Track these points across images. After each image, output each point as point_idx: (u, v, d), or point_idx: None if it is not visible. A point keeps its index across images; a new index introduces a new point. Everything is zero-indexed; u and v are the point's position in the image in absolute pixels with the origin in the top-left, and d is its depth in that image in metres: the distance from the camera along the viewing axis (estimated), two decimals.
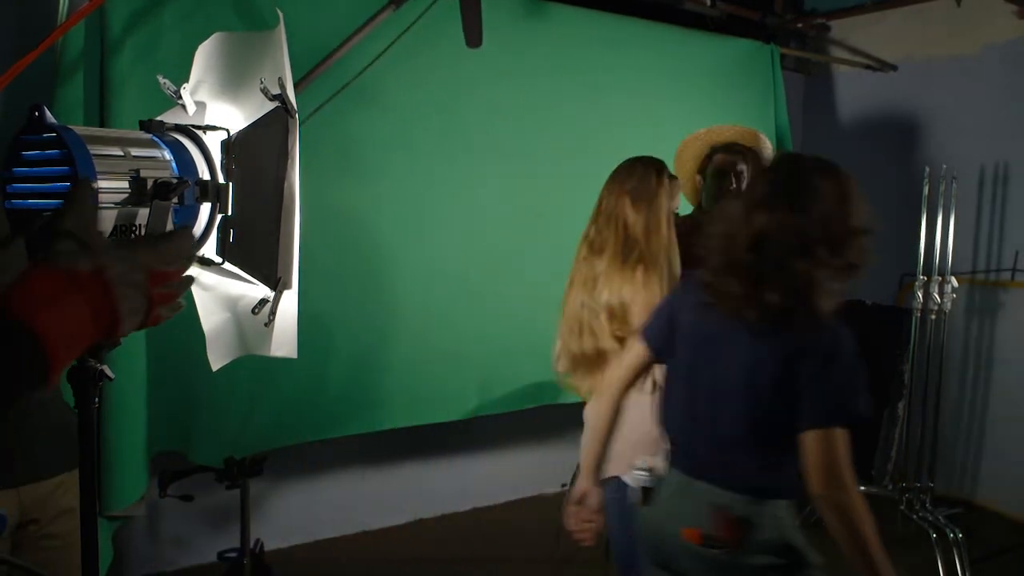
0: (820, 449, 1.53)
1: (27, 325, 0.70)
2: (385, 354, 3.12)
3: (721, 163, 2.71)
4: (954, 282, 3.69)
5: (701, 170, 2.81)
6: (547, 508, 3.79)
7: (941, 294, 3.64)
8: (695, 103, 3.87)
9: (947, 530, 3.53)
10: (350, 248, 3.02)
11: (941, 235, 3.82)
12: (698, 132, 2.84)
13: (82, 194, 0.82)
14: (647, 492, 1.87)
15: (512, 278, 3.41)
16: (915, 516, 3.65)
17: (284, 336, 1.17)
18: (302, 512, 3.62)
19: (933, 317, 3.70)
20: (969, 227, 4.32)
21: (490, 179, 3.35)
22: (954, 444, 4.27)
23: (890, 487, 3.84)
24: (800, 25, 4.75)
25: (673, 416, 1.79)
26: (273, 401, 2.83)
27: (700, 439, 1.71)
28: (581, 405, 3.30)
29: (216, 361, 1.20)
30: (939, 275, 3.67)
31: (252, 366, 2.69)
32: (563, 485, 4.17)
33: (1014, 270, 4.20)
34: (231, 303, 1.21)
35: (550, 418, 3.84)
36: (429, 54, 3.15)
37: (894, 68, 4.75)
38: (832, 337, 1.59)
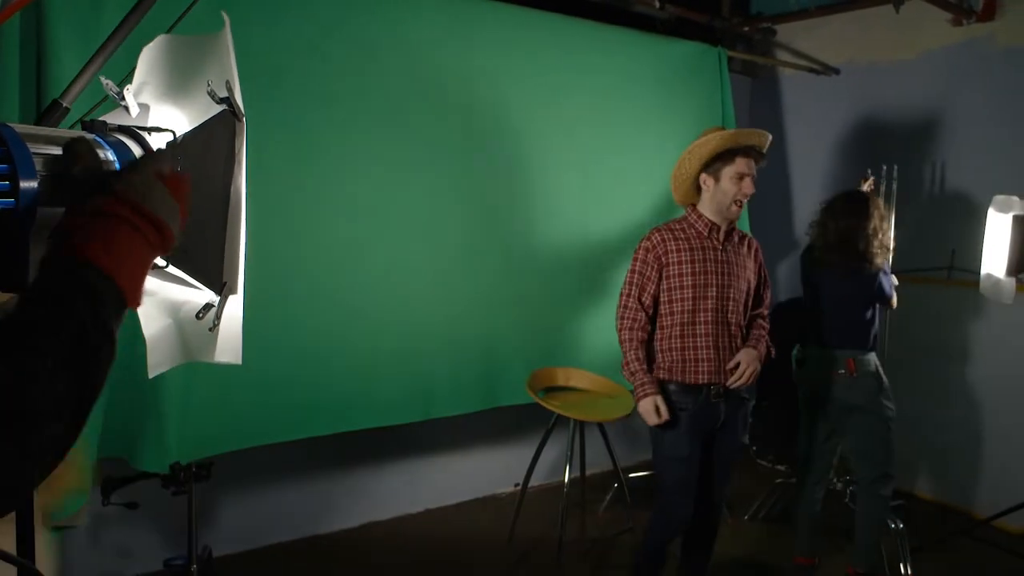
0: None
1: (87, 261, 0.76)
2: (335, 358, 3.09)
3: (745, 168, 2.67)
4: (894, 280, 3.78)
5: (706, 169, 2.71)
6: (500, 508, 3.80)
7: None
8: (644, 104, 3.92)
9: (891, 522, 3.64)
10: (299, 252, 2.97)
11: (894, 234, 3.96)
12: (724, 132, 2.72)
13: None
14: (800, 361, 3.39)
15: (464, 279, 3.40)
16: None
17: (229, 342, 1.15)
18: (251, 518, 3.57)
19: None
20: (909, 227, 4.45)
21: (443, 180, 3.34)
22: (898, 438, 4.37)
23: (835, 480, 3.94)
24: (746, 28, 4.83)
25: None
26: (220, 406, 2.77)
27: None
28: (532, 406, 3.33)
29: (155, 368, 1.17)
30: None
31: (198, 370, 2.65)
32: (516, 485, 4.19)
33: (951, 268, 4.34)
34: (174, 309, 1.18)
35: (502, 419, 3.86)
36: (381, 56, 3.14)
37: (837, 71, 4.87)
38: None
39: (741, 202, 2.68)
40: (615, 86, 3.84)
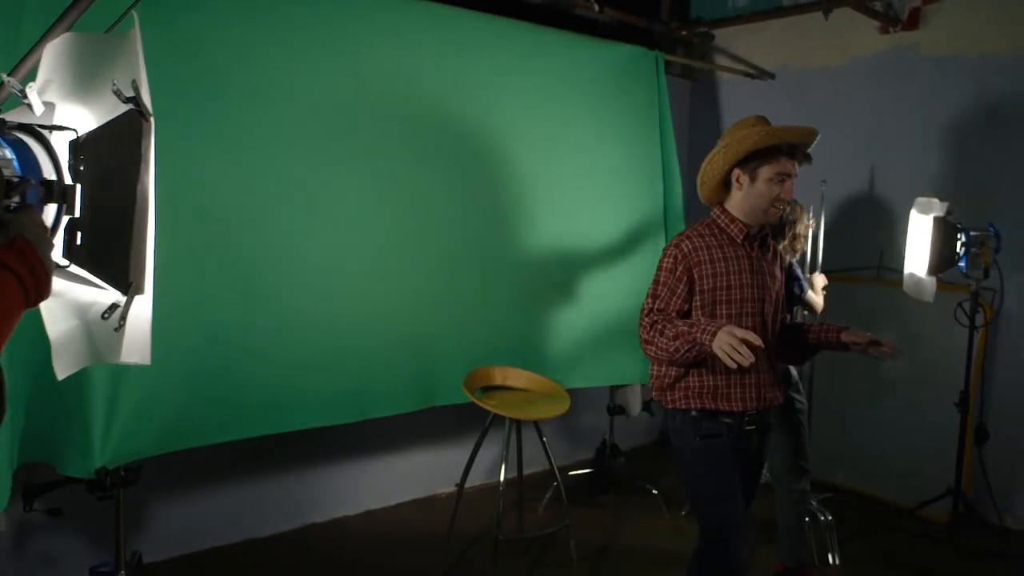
0: None
1: None
2: (267, 357, 3.04)
3: (789, 168, 2.34)
4: (823, 279, 3.89)
5: (742, 165, 2.36)
6: (441, 509, 3.80)
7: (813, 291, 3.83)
8: (581, 106, 3.96)
9: (818, 514, 3.75)
10: (227, 250, 2.93)
11: (813, 236, 4.07)
12: (769, 126, 2.37)
13: None
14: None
15: (400, 278, 3.39)
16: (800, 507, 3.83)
17: (136, 343, 1.14)
18: (184, 522, 3.51)
19: (806, 313, 3.90)
20: (840, 228, 4.59)
21: (380, 179, 3.32)
22: (824, 432, 4.51)
23: (766, 474, 4.03)
24: (684, 33, 4.92)
25: None
26: (149, 408, 2.71)
27: None
28: (470, 406, 3.34)
29: (62, 370, 1.15)
30: (808, 273, 3.87)
31: (125, 372, 2.59)
32: (456, 485, 4.19)
33: (879, 268, 4.49)
34: (80, 309, 1.16)
35: (443, 418, 3.86)
36: (321, 57, 3.12)
37: (772, 76, 4.99)
38: None
39: (779, 207, 2.36)
40: (552, 88, 3.86)
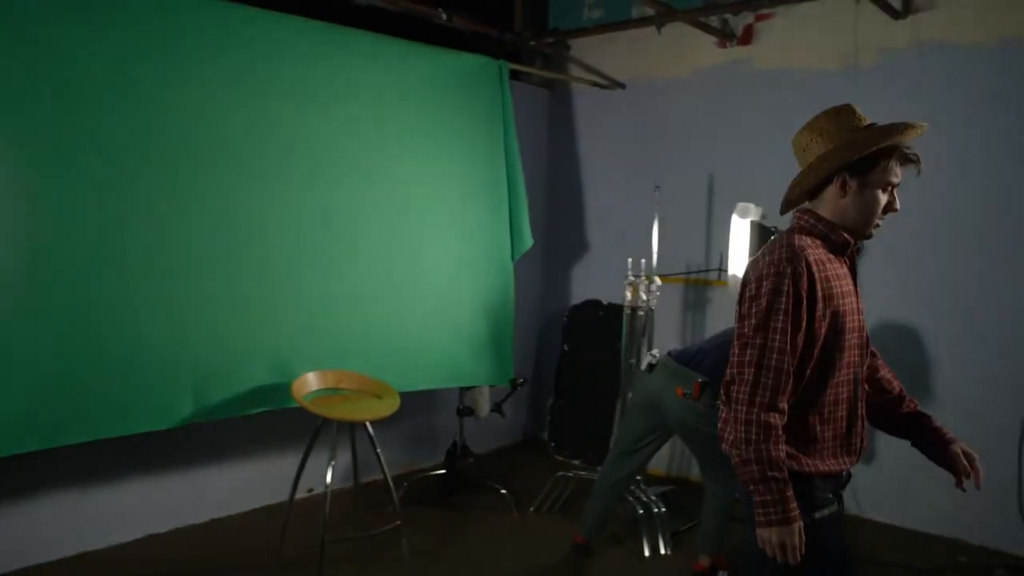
0: None
1: None
2: (90, 359, 3.01)
3: (902, 176, 1.95)
4: (658, 281, 4.08)
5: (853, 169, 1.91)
6: (294, 514, 3.76)
7: (647, 292, 4.01)
8: (423, 114, 4.03)
9: (653, 507, 3.91)
10: (52, 248, 2.90)
11: (657, 239, 4.28)
12: (894, 125, 1.91)
13: None
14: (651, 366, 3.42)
15: (236, 283, 3.39)
16: (630, 497, 3.99)
17: None
18: (12, 535, 3.38)
19: (641, 313, 4.07)
20: (685, 232, 4.81)
21: (209, 187, 3.33)
22: None
23: (639, 480, 4.16)
24: (533, 43, 5.05)
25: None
26: None
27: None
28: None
29: None
30: (645, 276, 4.05)
31: None
32: (309, 490, 4.19)
33: (720, 270, 4.71)
34: None
35: (292, 423, 3.84)
36: (139, 60, 3.11)
37: (623, 86, 5.19)
38: None
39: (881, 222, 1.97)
40: (393, 96, 3.93)
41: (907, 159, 1.92)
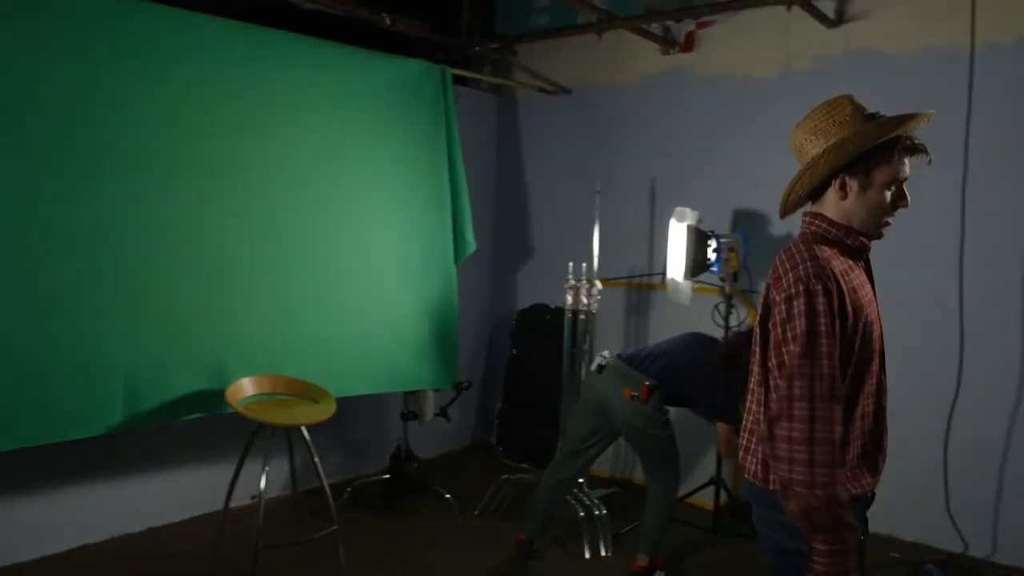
0: None
1: None
2: (12, 364, 2.95)
3: (909, 171, 1.81)
4: (599, 285, 4.12)
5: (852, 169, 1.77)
6: (234, 521, 3.72)
7: (588, 296, 4.05)
8: (363, 119, 4.03)
9: (595, 509, 3.93)
10: None
11: (599, 244, 4.33)
12: (892, 118, 1.77)
13: None
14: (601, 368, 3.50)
15: (164, 280, 3.36)
16: (572, 500, 4.01)
17: None
18: None
19: (583, 316, 4.11)
20: (628, 237, 4.86)
21: (142, 183, 3.30)
22: None
23: (582, 483, 4.18)
24: (479, 48, 5.08)
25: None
26: None
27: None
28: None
29: None
30: (586, 280, 4.08)
31: None
32: (253, 497, 4.14)
33: (661, 274, 4.76)
34: None
35: (231, 429, 3.79)
36: (60, 65, 3.07)
37: (569, 92, 5.23)
38: None
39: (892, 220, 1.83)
40: (335, 101, 3.92)
41: (913, 150, 1.77)
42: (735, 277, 3.93)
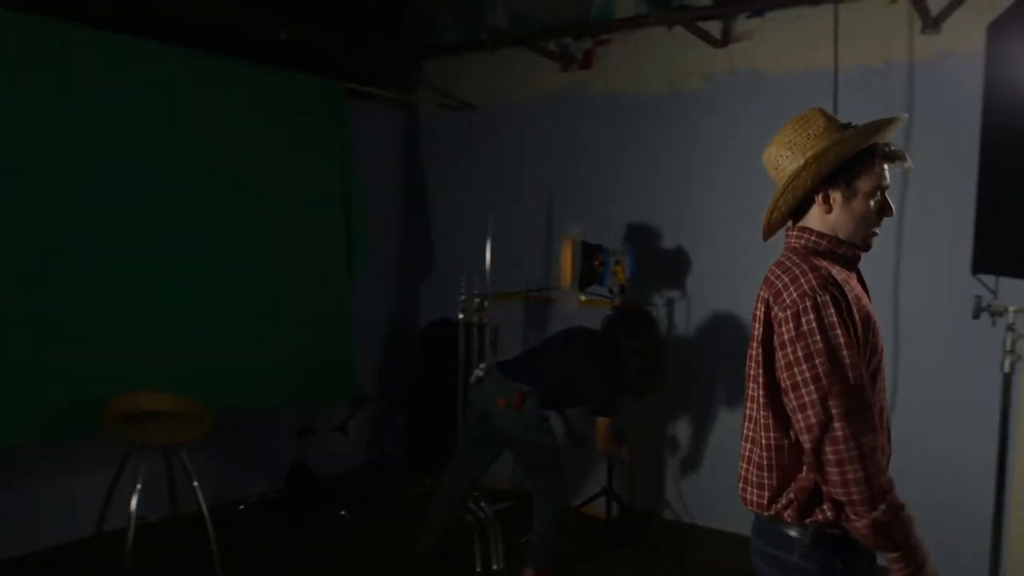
0: None
1: None
2: None
3: (888, 178, 1.76)
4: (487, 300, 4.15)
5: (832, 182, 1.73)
6: (106, 549, 3.61)
7: (480, 309, 4.07)
8: (258, 135, 4.02)
9: (488, 521, 3.94)
10: None
11: (495, 258, 4.36)
12: (867, 125, 1.73)
13: None
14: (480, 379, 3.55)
15: (34, 294, 3.29)
16: (468, 516, 4.01)
17: None
18: None
19: (476, 329, 4.13)
20: (527, 251, 4.91)
21: (10, 195, 3.23)
22: None
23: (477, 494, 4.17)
24: (385, 63, 5.09)
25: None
26: None
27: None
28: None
29: None
30: (477, 294, 4.11)
31: None
32: (141, 518, 4.02)
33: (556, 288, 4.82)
34: None
35: (108, 449, 3.69)
36: None
37: (474, 108, 5.27)
38: None
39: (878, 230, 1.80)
40: (228, 115, 3.91)
41: (892, 157, 1.74)
42: (623, 289, 4.01)
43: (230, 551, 3.59)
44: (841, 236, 1.75)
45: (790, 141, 1.75)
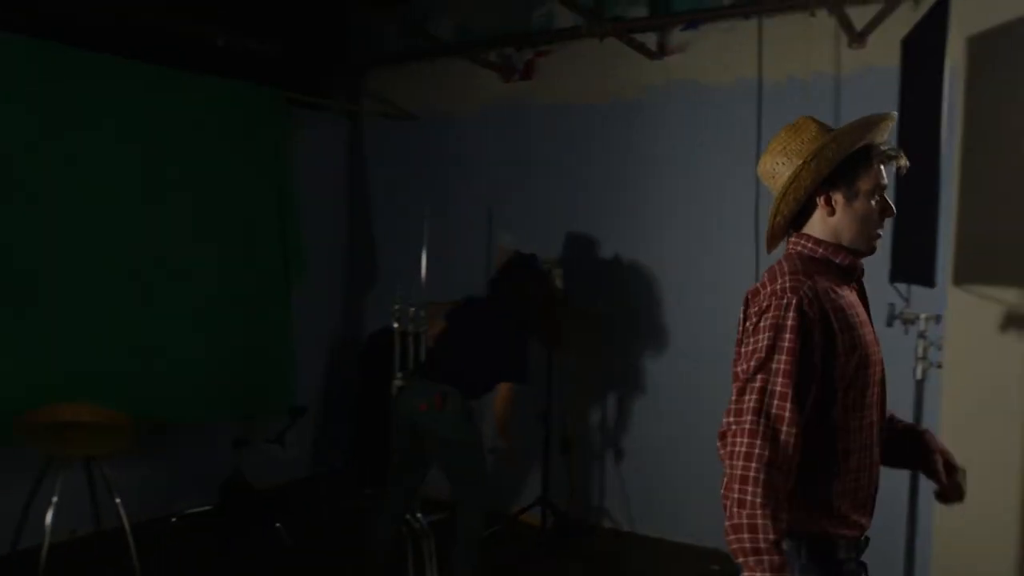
0: None
1: None
2: None
3: (886, 177, 1.74)
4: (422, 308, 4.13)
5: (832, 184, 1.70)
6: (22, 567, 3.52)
7: (413, 318, 4.05)
8: (195, 143, 3.99)
9: (421, 533, 3.91)
10: None
11: (433, 267, 4.35)
12: (859, 122, 1.70)
13: None
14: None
15: None
16: (403, 527, 3.97)
17: None
18: None
19: (411, 337, 4.11)
20: (468, 259, 4.91)
21: None
22: None
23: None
24: (329, 72, 5.08)
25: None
26: None
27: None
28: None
29: None
30: (411, 303, 4.08)
31: None
32: (72, 531, 3.94)
33: None
34: None
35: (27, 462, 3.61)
36: None
37: (415, 117, 5.27)
38: None
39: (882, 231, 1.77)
40: (165, 124, 3.88)
41: (887, 157, 1.71)
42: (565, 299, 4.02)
43: (156, 567, 3.52)
44: (845, 239, 1.71)
45: (784, 148, 1.73)
